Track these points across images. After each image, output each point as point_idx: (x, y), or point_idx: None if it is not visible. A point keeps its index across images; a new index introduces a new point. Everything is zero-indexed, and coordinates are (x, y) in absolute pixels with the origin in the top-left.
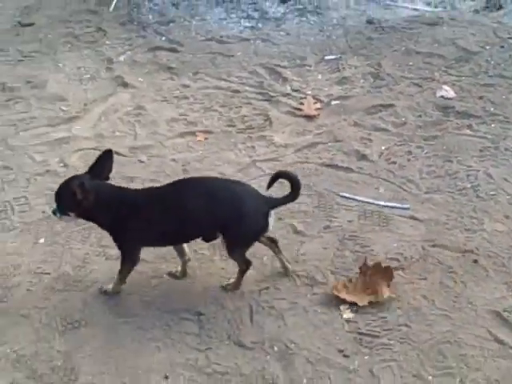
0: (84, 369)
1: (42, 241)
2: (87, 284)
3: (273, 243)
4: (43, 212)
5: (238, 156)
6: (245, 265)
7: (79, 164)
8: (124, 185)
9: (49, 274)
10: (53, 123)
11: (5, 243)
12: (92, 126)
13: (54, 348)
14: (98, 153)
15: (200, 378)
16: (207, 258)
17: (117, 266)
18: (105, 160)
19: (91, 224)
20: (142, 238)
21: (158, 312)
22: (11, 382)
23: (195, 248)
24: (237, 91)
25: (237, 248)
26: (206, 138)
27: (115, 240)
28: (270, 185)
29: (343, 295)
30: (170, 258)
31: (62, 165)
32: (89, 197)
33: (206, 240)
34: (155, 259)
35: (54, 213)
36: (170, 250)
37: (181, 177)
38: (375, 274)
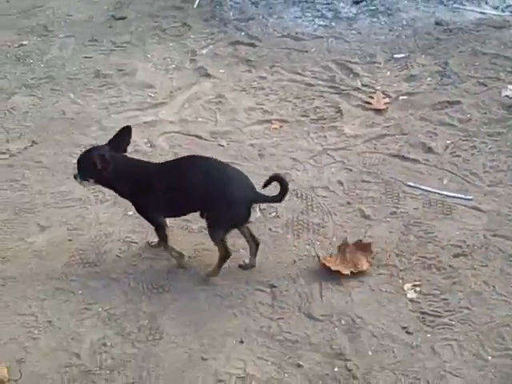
0: (167, 329)
1: (130, 213)
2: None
3: (254, 242)
4: None
5: (310, 144)
6: (224, 252)
7: (165, 145)
8: None
9: (136, 243)
10: (141, 108)
11: (98, 214)
12: (176, 111)
13: (140, 309)
14: (181, 136)
15: (272, 345)
16: (281, 235)
17: (197, 238)
18: (124, 134)
19: None
20: (154, 207)
21: (235, 282)
22: (103, 337)
23: (270, 226)
24: (310, 84)
25: (214, 230)
26: (281, 126)
27: (136, 209)
28: (265, 185)
29: (328, 264)
30: None
31: (149, 145)
32: (107, 167)
33: (203, 216)
34: (233, 233)
35: (75, 177)
36: None
37: (257, 161)
38: (356, 251)
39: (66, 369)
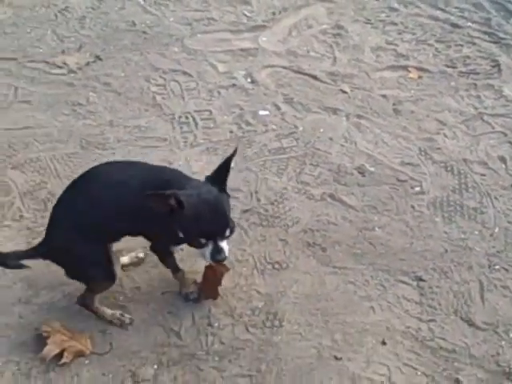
0: (288, 316)
1: (231, 165)
2: (287, 223)
3: None
4: (231, 132)
5: (460, 104)
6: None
7: (269, 82)
8: (327, 117)
9: (241, 201)
10: (235, 29)
11: (189, 160)
12: (282, 39)
13: (252, 287)
14: (291, 73)
15: (422, 351)
16: (427, 217)
17: (320, 207)
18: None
19: (287, 155)
20: None
21: (371, 268)
22: (207, 315)
23: (413, 204)
24: (456, 26)
25: None
26: (419, 77)
27: None
28: None
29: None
30: (383, 210)
31: (249, 80)
32: None
33: None
34: (365, 208)
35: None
36: (381, 198)
37: (392, 118)
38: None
39: (163, 348)
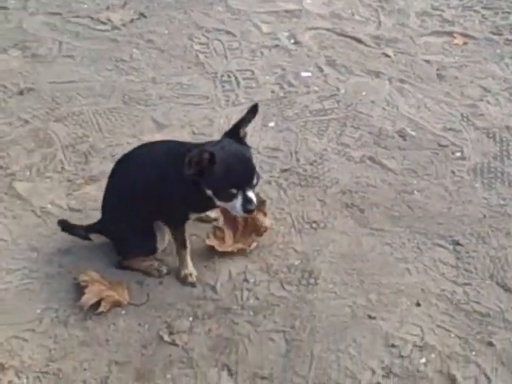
0: (324, 275)
1: (271, 124)
2: (326, 183)
3: None
4: (272, 92)
5: (504, 72)
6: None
7: (312, 44)
8: (369, 81)
9: (280, 160)
10: None
11: (230, 119)
12: (326, 2)
13: (289, 245)
14: (334, 35)
15: (456, 314)
16: (467, 182)
17: (359, 169)
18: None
19: (328, 116)
20: None
21: (408, 231)
22: (243, 271)
23: (453, 169)
24: None
25: None
26: (464, 43)
27: None
28: None
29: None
30: (422, 174)
31: (292, 41)
32: None
33: None
34: (405, 171)
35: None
36: (421, 163)
37: (436, 83)
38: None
39: (199, 301)
